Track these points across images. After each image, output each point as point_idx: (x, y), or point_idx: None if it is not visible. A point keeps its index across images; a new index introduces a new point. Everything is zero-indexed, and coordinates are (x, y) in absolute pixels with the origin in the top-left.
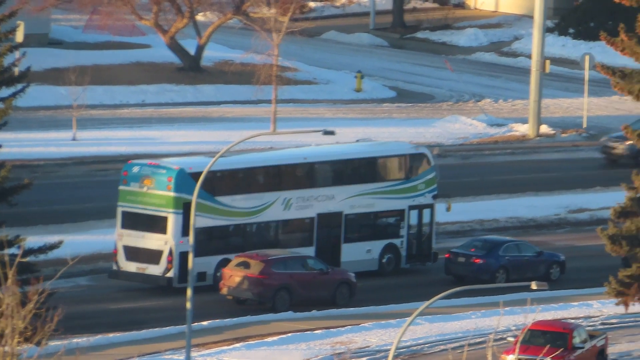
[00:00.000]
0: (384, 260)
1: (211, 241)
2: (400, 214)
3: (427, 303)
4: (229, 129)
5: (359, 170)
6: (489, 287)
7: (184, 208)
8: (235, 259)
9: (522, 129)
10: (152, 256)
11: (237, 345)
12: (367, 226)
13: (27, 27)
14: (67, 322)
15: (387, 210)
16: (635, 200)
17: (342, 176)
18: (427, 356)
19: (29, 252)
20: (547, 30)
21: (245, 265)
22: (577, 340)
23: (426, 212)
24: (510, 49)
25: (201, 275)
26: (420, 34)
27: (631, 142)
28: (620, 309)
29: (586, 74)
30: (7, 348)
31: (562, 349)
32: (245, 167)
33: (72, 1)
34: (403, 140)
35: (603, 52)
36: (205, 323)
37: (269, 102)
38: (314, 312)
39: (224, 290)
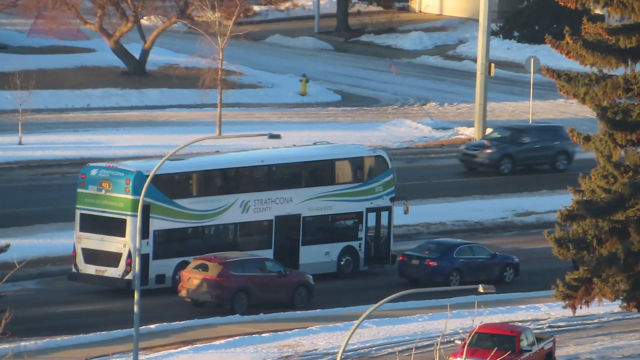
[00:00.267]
0: (342, 263)
1: (170, 244)
2: (358, 216)
3: (374, 306)
4: (174, 133)
5: (317, 172)
6: (436, 290)
7: (143, 210)
8: (194, 262)
9: (468, 132)
10: (111, 259)
11: (185, 348)
12: (325, 228)
13: None
14: (15, 325)
15: (345, 213)
16: (582, 203)
17: (299, 179)
18: (374, 359)
19: None
20: (492, 33)
21: (204, 267)
22: (524, 343)
23: (384, 215)
24: (455, 53)
25: (160, 278)
26: (364, 38)
27: (490, 150)
28: (568, 312)
29: (531, 77)
30: None
31: (509, 352)
32: (203, 170)
33: (16, 5)
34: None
35: (548, 55)
36: (153, 326)
37: (214, 105)
38: (262, 315)
39: (183, 293)
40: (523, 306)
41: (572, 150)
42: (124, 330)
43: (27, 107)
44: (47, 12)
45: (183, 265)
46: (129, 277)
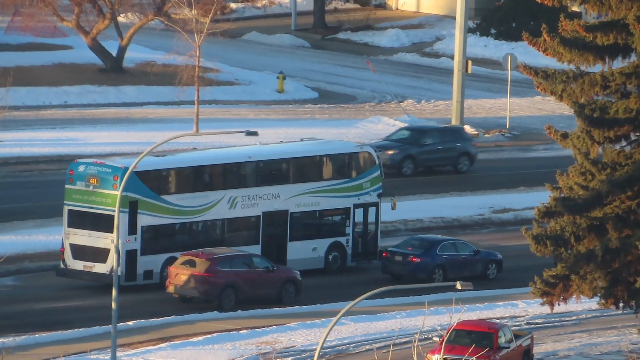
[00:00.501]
0: (330, 259)
1: (158, 239)
2: (345, 212)
3: (352, 303)
4: (151, 130)
5: (304, 168)
6: (413, 288)
7: (130, 206)
8: (181, 257)
9: None
10: (99, 254)
11: (163, 345)
12: (312, 224)
13: None
14: None
15: (333, 209)
16: (560, 200)
17: (287, 175)
18: (352, 356)
19: None
20: (469, 30)
21: (191, 263)
22: (502, 340)
23: (371, 210)
24: (432, 50)
25: (148, 274)
26: (341, 35)
27: (392, 152)
28: (546, 309)
29: (509, 74)
30: None
31: (487, 349)
32: (191, 166)
33: None
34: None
35: (525, 52)
36: (130, 323)
37: (191, 103)
38: (240, 312)
39: (170, 289)
40: (501, 303)
41: (475, 151)
42: (102, 327)
43: (4, 104)
44: (25, 9)
45: (171, 261)
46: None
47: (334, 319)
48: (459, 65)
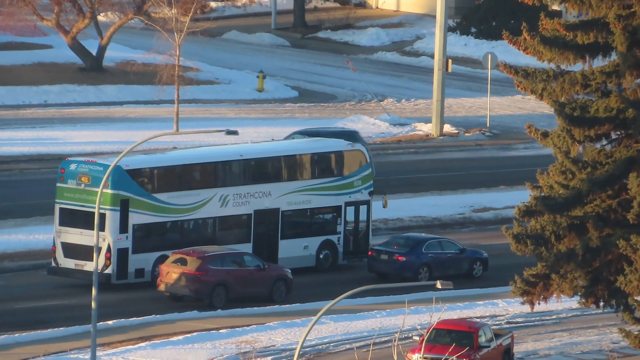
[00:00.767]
0: (321, 257)
1: (149, 238)
2: (336, 210)
3: (331, 302)
4: (131, 129)
5: (295, 167)
6: (392, 287)
7: (122, 205)
8: (172, 256)
9: (426, 129)
10: (91, 253)
11: (143, 344)
12: (304, 222)
13: None
14: None
15: (324, 207)
16: (540, 199)
17: (278, 173)
18: (332, 355)
19: None
20: (449, 29)
21: (182, 261)
22: (482, 339)
23: (363, 209)
24: (413, 49)
25: (139, 272)
26: (321, 34)
27: None
28: (526, 308)
29: (489, 73)
30: None
31: (467, 348)
32: (182, 164)
33: None
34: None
35: (505, 51)
36: (110, 322)
37: (171, 102)
38: (219, 311)
39: (162, 287)
40: (481, 302)
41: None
42: (82, 326)
43: None
44: (4, 8)
45: (162, 259)
46: (108, 271)
47: (314, 318)
48: (439, 64)
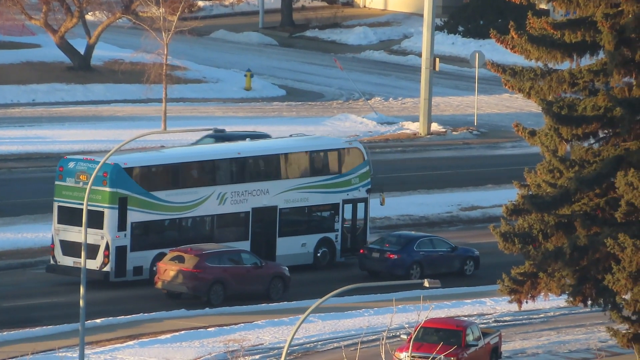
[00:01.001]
0: (318, 254)
1: (147, 236)
2: (334, 207)
3: (319, 301)
4: (119, 128)
5: (293, 164)
6: (381, 285)
7: (120, 203)
8: (170, 253)
9: (413, 127)
10: (89, 250)
11: (131, 343)
12: (301, 220)
13: None
14: None
15: (322, 204)
16: (528, 197)
17: (276, 171)
18: (320, 354)
19: None
20: (437, 28)
21: (180, 259)
22: (470, 338)
23: (360, 206)
24: (400, 47)
25: (137, 270)
26: (309, 33)
27: None
28: (514, 307)
29: (476, 72)
30: None
31: (455, 347)
32: (180, 162)
33: None
34: None
35: (493, 50)
36: (99, 321)
37: (159, 101)
38: (207, 310)
39: (159, 285)
40: (469, 301)
41: None
42: (70, 324)
43: None
44: None
45: (160, 257)
46: (106, 269)
47: (302, 317)
48: (427, 63)
